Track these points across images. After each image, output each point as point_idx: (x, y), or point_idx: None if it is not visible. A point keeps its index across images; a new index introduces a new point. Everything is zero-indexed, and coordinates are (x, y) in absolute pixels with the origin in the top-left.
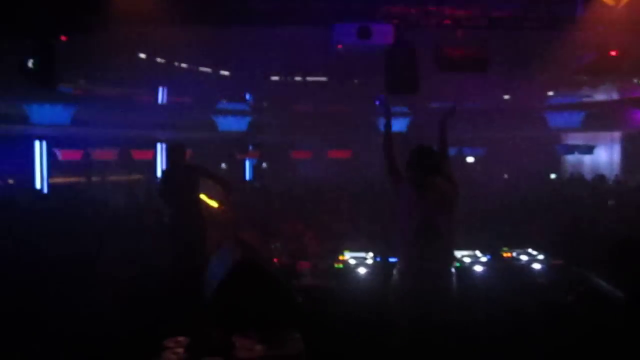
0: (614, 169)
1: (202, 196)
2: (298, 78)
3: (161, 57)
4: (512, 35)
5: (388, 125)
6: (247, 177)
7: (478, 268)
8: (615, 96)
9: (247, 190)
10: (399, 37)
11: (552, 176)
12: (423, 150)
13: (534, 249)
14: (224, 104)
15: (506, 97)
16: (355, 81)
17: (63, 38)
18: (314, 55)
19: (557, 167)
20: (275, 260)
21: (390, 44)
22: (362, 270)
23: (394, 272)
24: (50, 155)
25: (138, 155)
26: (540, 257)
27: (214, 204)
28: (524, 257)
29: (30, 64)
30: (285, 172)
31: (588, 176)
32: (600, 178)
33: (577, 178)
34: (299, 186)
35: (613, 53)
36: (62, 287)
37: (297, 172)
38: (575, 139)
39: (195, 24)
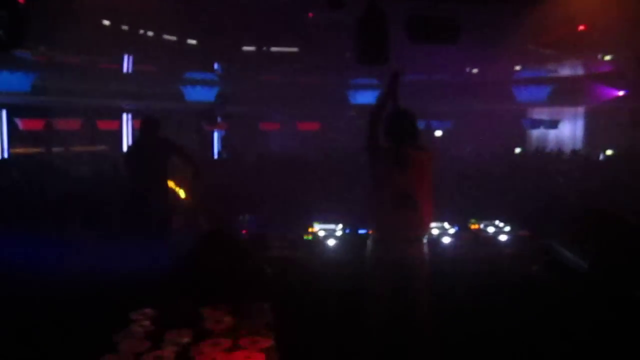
0: (577, 143)
1: (170, 183)
2: (269, 48)
3: (126, 24)
4: (483, 7)
5: (384, 97)
6: (215, 149)
7: (446, 239)
8: (580, 72)
9: (215, 163)
10: (371, 6)
11: (517, 150)
12: (399, 116)
13: (501, 220)
14: (191, 74)
15: (474, 70)
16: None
17: (21, 0)
18: (285, 25)
19: (522, 141)
20: (243, 231)
21: (361, 13)
22: (331, 242)
23: (368, 241)
24: (10, 124)
25: (103, 125)
26: (507, 228)
27: (181, 193)
28: (490, 229)
29: None
30: (253, 143)
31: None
32: (573, 152)
33: (541, 152)
34: (268, 158)
35: (582, 27)
36: (26, 253)
37: (266, 143)
38: (541, 114)
39: None
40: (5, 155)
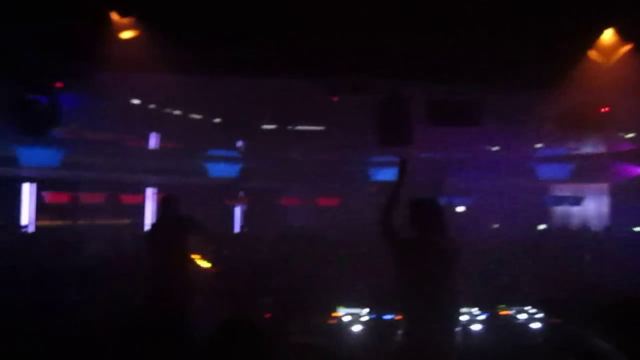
0: (602, 220)
1: (194, 256)
2: (293, 127)
3: (153, 104)
4: (502, 92)
5: (397, 186)
6: (237, 223)
7: (475, 327)
8: (602, 149)
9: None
10: (393, 91)
11: (541, 227)
12: (425, 205)
13: (532, 306)
14: (214, 151)
15: (495, 148)
16: (356, 132)
17: (58, 85)
18: (309, 104)
19: (545, 217)
20: (266, 315)
21: (383, 97)
22: (356, 328)
23: (399, 332)
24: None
25: (127, 199)
26: (538, 315)
27: (205, 264)
28: (521, 316)
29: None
30: (274, 218)
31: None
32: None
33: (567, 229)
34: (289, 235)
35: (605, 109)
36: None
37: (286, 218)
38: (564, 190)
39: (188, 72)
40: (32, 228)
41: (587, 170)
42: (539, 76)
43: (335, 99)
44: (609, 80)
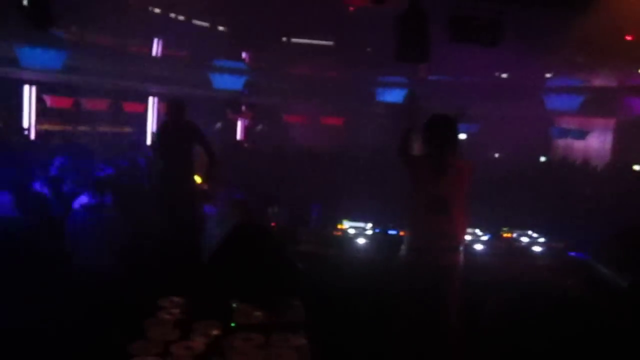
0: (604, 156)
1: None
2: (301, 40)
3: (157, 8)
4: (529, 8)
5: (410, 118)
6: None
7: (478, 246)
8: (613, 83)
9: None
10: (412, 5)
11: (542, 159)
12: (439, 123)
13: (534, 230)
14: (220, 61)
15: (504, 75)
16: (369, 49)
17: None
18: (321, 17)
19: (547, 150)
20: (273, 224)
21: (403, 9)
22: (361, 240)
23: (402, 246)
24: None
25: (129, 107)
26: (541, 239)
27: (197, 179)
28: (524, 239)
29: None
30: (276, 134)
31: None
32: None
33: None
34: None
35: (629, 38)
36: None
37: (290, 136)
38: (568, 123)
39: None
40: (32, 130)
41: (595, 104)
42: None
43: (352, 8)
44: (637, 6)
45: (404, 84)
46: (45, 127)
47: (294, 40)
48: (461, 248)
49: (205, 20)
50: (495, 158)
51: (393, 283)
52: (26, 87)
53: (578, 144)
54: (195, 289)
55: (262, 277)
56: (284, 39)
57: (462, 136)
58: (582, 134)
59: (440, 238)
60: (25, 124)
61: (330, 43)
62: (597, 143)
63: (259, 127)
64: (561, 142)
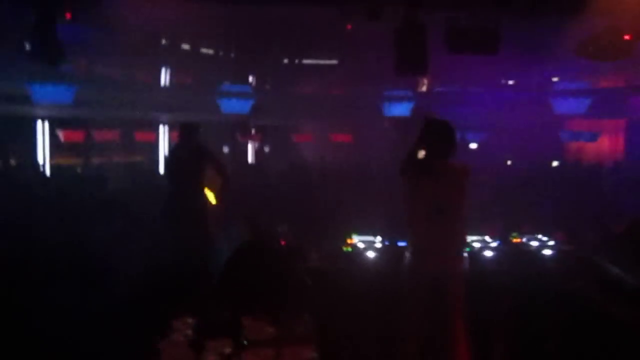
0: (617, 156)
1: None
2: (306, 61)
3: (164, 39)
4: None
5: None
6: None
7: (488, 253)
8: (620, 83)
9: (250, 173)
10: (409, 17)
11: (554, 163)
12: (435, 126)
13: (543, 234)
14: (227, 86)
15: (510, 82)
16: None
17: (67, 16)
18: (322, 37)
19: (559, 153)
20: (282, 242)
21: (400, 24)
22: (371, 254)
23: (406, 253)
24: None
25: (140, 136)
26: (550, 243)
27: (211, 198)
28: (534, 243)
29: (29, 44)
30: (287, 155)
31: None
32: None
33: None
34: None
35: (627, 37)
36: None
37: (299, 154)
38: (578, 126)
39: (200, 1)
40: (47, 166)
41: (604, 105)
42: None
43: (349, 26)
44: (634, 5)
45: (410, 97)
46: (60, 161)
47: (298, 61)
48: (464, 253)
49: (210, 48)
50: (508, 165)
51: (399, 292)
52: (39, 123)
53: (590, 146)
54: (207, 308)
55: (272, 293)
56: (286, 60)
57: (473, 145)
58: (593, 136)
59: (438, 242)
60: (40, 160)
61: (334, 62)
62: (609, 144)
63: (267, 147)
64: (573, 145)
